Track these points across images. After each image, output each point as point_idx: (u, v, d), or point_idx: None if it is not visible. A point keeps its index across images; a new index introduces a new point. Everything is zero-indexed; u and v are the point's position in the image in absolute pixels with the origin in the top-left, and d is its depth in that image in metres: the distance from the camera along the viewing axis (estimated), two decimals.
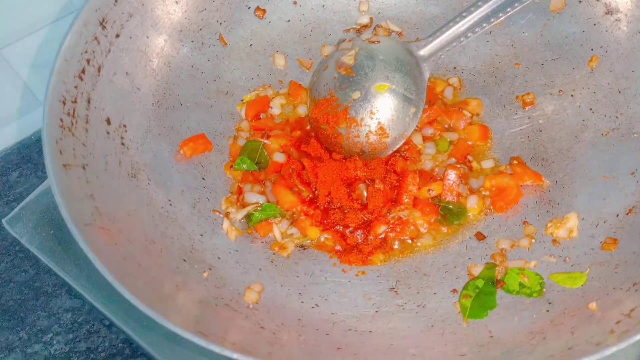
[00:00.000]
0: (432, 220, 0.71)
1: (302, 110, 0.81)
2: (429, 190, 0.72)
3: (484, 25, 0.76)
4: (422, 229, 0.70)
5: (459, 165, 0.74)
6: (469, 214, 0.71)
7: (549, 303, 0.61)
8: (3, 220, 0.76)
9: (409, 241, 0.70)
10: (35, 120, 0.90)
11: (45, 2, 0.79)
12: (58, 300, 0.76)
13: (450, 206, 0.71)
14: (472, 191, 0.72)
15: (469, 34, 0.76)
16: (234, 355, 0.49)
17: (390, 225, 0.70)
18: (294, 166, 0.74)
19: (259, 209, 0.71)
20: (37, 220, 0.77)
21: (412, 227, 0.70)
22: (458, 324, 0.62)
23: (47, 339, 0.74)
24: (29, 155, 0.88)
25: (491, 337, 0.59)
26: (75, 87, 0.66)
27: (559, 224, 0.67)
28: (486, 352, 0.56)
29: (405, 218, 0.71)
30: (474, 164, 0.74)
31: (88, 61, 0.68)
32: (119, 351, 0.72)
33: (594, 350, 0.48)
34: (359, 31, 0.85)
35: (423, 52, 0.78)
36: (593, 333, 0.53)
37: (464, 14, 0.77)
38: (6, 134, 0.88)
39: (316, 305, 0.64)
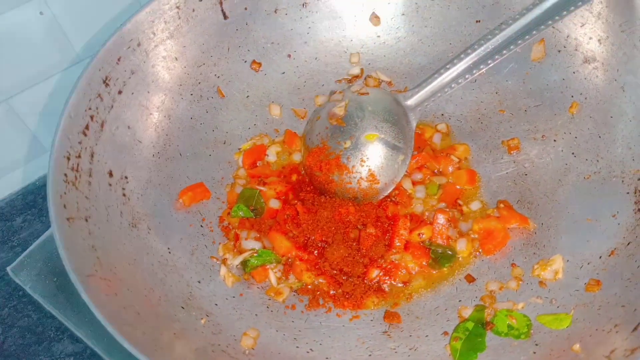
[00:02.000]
0: (424, 264, 0.73)
1: (297, 158, 0.84)
2: (419, 234, 0.74)
3: (467, 76, 0.80)
4: (413, 272, 0.72)
5: (448, 210, 0.77)
6: (459, 256, 0.73)
7: (536, 345, 0.62)
8: (8, 269, 0.78)
9: (401, 285, 0.72)
10: (40, 166, 0.93)
11: (50, 53, 0.83)
12: (60, 345, 0.77)
13: (441, 250, 0.73)
14: (461, 234, 0.75)
15: (453, 85, 0.80)
16: None
17: (383, 270, 0.72)
18: (288, 212, 0.76)
19: (255, 255, 0.73)
20: (40, 268, 0.79)
21: (403, 271, 0.73)
22: None
23: None
24: (33, 200, 0.91)
25: None
26: (80, 142, 0.69)
27: (545, 266, 0.69)
28: None
29: (397, 262, 0.73)
30: (464, 208, 0.77)
31: (92, 117, 0.72)
32: None
33: None
34: (350, 81, 0.89)
35: (410, 102, 0.82)
36: None
37: (448, 66, 0.81)
38: (12, 180, 0.91)
39: (311, 350, 0.66)
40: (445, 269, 0.72)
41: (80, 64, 0.87)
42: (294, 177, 0.82)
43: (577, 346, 0.59)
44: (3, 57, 0.79)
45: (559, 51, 0.82)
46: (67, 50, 0.85)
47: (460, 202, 0.78)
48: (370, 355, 0.65)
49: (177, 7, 0.80)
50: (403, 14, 0.89)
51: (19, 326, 0.79)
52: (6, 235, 0.87)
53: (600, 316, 0.62)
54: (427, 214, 0.77)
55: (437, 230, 0.74)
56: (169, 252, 0.72)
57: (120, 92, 0.76)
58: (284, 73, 0.88)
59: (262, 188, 0.79)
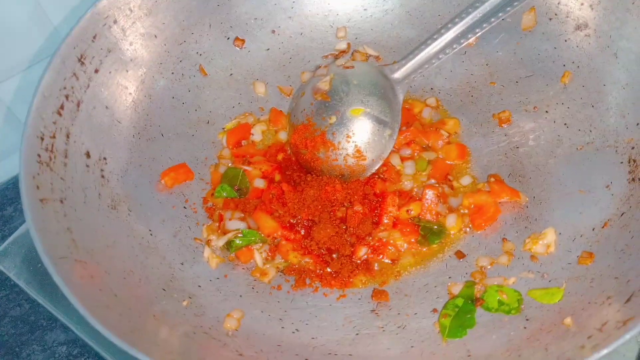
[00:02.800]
0: (412, 241, 0.71)
1: (283, 136, 0.82)
2: (408, 210, 0.72)
3: (455, 46, 0.77)
4: (402, 249, 0.71)
5: (438, 185, 0.75)
6: (449, 232, 0.71)
7: (527, 320, 0.61)
8: None
9: (388, 262, 0.70)
10: None
11: (35, 40, 0.81)
12: (53, 334, 0.76)
13: (430, 226, 0.71)
14: (450, 210, 0.73)
15: (441, 55, 0.78)
16: None
17: (371, 248, 0.71)
18: (274, 192, 0.74)
19: (240, 235, 0.71)
20: (25, 254, 0.77)
21: (392, 249, 0.71)
22: (437, 344, 0.61)
23: None
24: None
25: (469, 356, 0.58)
26: (54, 122, 0.67)
27: (536, 240, 0.67)
28: None
29: (385, 239, 0.71)
30: (455, 183, 0.75)
31: (67, 97, 0.70)
32: None
33: None
34: (337, 57, 0.87)
35: (397, 75, 0.79)
36: (566, 348, 0.53)
37: (435, 36, 0.78)
38: (1, 169, 0.90)
39: (296, 330, 0.64)
40: (434, 245, 0.70)
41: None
42: (280, 156, 0.79)
43: (568, 320, 0.57)
44: None
45: (550, 19, 0.79)
46: (53, 36, 0.82)
47: (450, 177, 0.75)
48: (357, 334, 0.64)
49: None
50: None
51: (11, 316, 0.78)
52: None
53: (593, 289, 0.60)
54: (416, 190, 0.75)
55: (426, 206, 0.72)
56: (151, 235, 0.70)
57: (96, 71, 0.74)
58: (268, 49, 0.86)
59: (247, 168, 0.77)
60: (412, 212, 0.72)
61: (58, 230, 0.60)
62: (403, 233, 0.71)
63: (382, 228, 0.71)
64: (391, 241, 0.71)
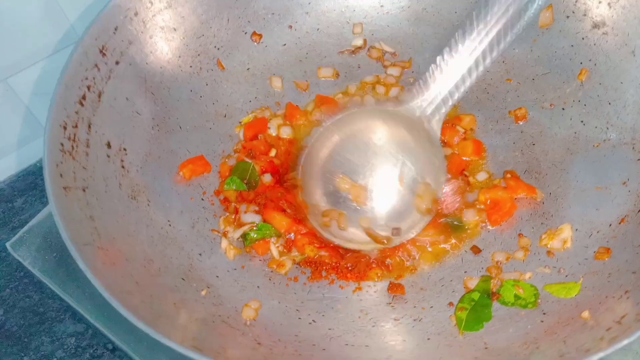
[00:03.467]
0: (431, 234, 0.71)
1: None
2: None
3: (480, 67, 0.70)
4: (424, 248, 0.70)
5: (454, 180, 0.75)
6: (467, 227, 0.72)
7: (544, 314, 0.61)
8: (7, 244, 0.77)
9: (405, 260, 0.70)
10: (39, 148, 0.90)
11: (48, 31, 0.82)
12: (62, 325, 0.77)
13: (450, 221, 0.72)
14: (467, 205, 0.73)
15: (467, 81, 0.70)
16: None
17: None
18: (280, 191, 0.75)
19: (255, 228, 0.71)
20: (40, 243, 0.78)
21: (411, 248, 0.71)
22: (454, 336, 0.62)
23: None
24: (34, 181, 0.90)
25: (486, 348, 0.59)
26: (76, 112, 0.68)
27: (553, 236, 0.68)
28: None
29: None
30: (470, 178, 0.75)
31: (89, 88, 0.71)
32: None
33: (583, 357, 0.48)
34: (353, 52, 0.87)
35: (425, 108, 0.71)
36: (584, 340, 0.53)
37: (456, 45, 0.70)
38: (12, 161, 0.90)
39: (313, 321, 0.65)
40: (454, 240, 0.71)
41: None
42: (273, 152, 0.78)
43: (586, 313, 0.58)
44: (1, 36, 0.78)
45: (568, 17, 0.79)
46: (66, 28, 0.83)
47: (466, 172, 0.76)
48: (374, 326, 0.64)
49: None
50: None
51: (21, 307, 0.79)
52: (7, 216, 0.87)
53: (611, 283, 0.60)
54: None
55: (444, 200, 0.73)
56: (169, 225, 0.71)
57: (117, 63, 0.74)
58: (285, 45, 0.86)
59: (248, 161, 0.77)
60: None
61: (81, 218, 0.60)
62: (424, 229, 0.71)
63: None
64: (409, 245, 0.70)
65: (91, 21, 0.72)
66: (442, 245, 0.71)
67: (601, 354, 0.48)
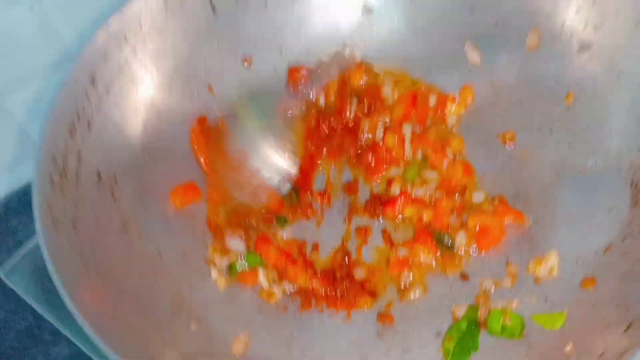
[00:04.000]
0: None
1: None
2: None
3: None
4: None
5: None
6: (457, 251, 0.72)
7: (529, 346, 0.62)
8: (0, 273, 0.78)
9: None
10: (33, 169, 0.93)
11: (42, 51, 0.82)
12: (57, 348, 0.77)
13: (442, 237, 0.72)
14: (461, 225, 0.73)
15: None
16: None
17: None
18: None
19: (241, 260, 0.72)
20: (33, 271, 0.78)
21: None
22: None
23: None
24: (28, 201, 0.88)
25: None
26: (66, 143, 0.68)
27: (540, 262, 0.69)
28: None
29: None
30: (467, 194, 0.75)
31: (79, 117, 0.71)
32: None
33: None
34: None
35: None
36: None
37: None
38: (6, 181, 0.91)
39: (303, 354, 0.66)
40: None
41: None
42: None
43: (569, 346, 0.59)
44: None
45: (554, 40, 0.80)
46: (60, 48, 0.83)
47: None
48: (362, 358, 0.65)
49: (164, 1, 0.78)
50: (396, 4, 0.87)
51: (16, 329, 0.79)
52: (2, 236, 0.87)
53: (594, 314, 0.61)
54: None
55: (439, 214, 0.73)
56: (160, 257, 0.71)
57: (107, 90, 0.75)
58: (275, 68, 0.87)
59: None
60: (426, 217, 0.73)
61: (71, 254, 0.61)
62: (425, 244, 0.71)
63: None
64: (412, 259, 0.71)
65: (80, 50, 0.73)
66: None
67: None
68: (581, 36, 0.78)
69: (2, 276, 0.78)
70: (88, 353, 0.71)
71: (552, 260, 0.68)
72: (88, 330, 0.53)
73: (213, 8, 0.82)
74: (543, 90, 0.80)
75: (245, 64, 0.86)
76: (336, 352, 0.65)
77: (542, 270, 0.68)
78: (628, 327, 0.56)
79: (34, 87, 0.85)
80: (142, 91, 0.79)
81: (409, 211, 0.74)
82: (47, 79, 0.85)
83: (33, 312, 0.80)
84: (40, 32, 0.80)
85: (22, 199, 0.91)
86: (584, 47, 0.78)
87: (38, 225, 0.60)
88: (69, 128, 0.69)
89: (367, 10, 0.87)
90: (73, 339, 0.72)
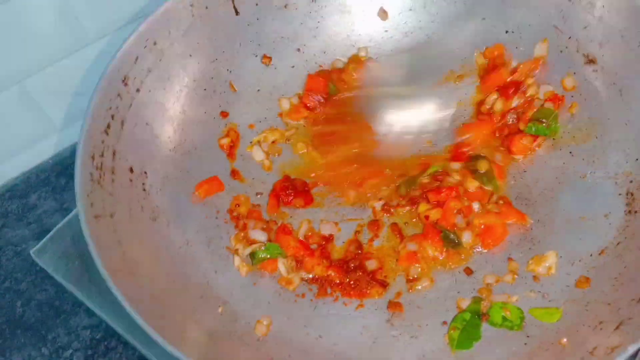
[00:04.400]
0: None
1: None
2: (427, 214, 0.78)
3: None
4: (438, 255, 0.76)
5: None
6: (463, 246, 0.77)
7: (527, 337, 0.67)
8: (31, 252, 0.82)
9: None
10: (51, 145, 0.96)
11: (62, 35, 0.86)
12: (77, 318, 0.81)
13: (448, 234, 0.77)
14: (468, 224, 0.78)
15: None
16: None
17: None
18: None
19: (263, 248, 0.77)
20: (62, 252, 0.82)
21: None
22: (446, 354, 0.68)
23: (67, 355, 0.78)
24: (47, 178, 0.94)
25: None
26: (102, 141, 0.73)
27: (539, 262, 0.74)
28: None
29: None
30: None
31: (112, 117, 0.75)
32: None
33: None
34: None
35: None
36: None
37: None
38: (26, 158, 0.95)
39: (319, 336, 0.71)
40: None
41: (91, 46, 0.90)
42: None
43: (564, 340, 0.64)
44: (16, 40, 0.82)
45: (561, 51, 0.84)
46: (79, 32, 0.87)
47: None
48: (374, 342, 0.71)
49: (191, 5, 0.82)
50: (410, 9, 0.91)
51: (38, 300, 0.83)
52: (22, 212, 0.91)
53: (588, 312, 0.66)
54: None
55: (446, 214, 0.77)
56: (187, 244, 0.77)
57: (138, 90, 0.79)
58: (293, 67, 0.91)
59: None
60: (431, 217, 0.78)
61: (110, 244, 0.66)
62: (433, 241, 0.76)
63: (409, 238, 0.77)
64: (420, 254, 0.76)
65: (114, 53, 0.77)
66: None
67: None
68: (587, 51, 0.82)
69: (33, 256, 0.82)
70: (115, 328, 0.75)
71: (551, 259, 0.74)
72: (134, 316, 0.58)
73: (236, 10, 0.86)
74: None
75: (265, 62, 0.90)
76: (350, 336, 0.71)
77: (541, 269, 0.73)
78: (618, 325, 0.61)
79: (53, 69, 0.88)
80: (169, 90, 0.83)
81: (423, 207, 0.79)
82: (66, 62, 0.89)
83: (54, 283, 0.83)
84: (61, 18, 0.83)
85: (40, 176, 0.95)
86: (589, 61, 0.82)
87: (82, 217, 0.65)
88: (104, 127, 0.74)
89: (383, 14, 0.91)
90: (101, 315, 0.76)
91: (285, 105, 0.90)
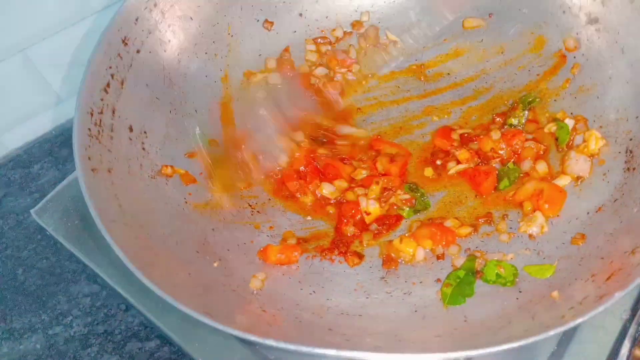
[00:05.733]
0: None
1: None
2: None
3: None
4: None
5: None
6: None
7: (520, 292, 0.67)
8: (32, 211, 0.82)
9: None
10: (56, 116, 0.97)
11: (65, 3, 0.86)
12: (77, 286, 0.82)
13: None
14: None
15: None
16: (236, 333, 0.57)
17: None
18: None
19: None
20: (62, 211, 0.82)
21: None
22: (438, 309, 0.69)
23: (67, 322, 0.80)
24: (50, 149, 0.95)
25: (465, 321, 0.65)
26: (102, 99, 0.74)
27: (529, 223, 0.73)
28: (458, 334, 0.63)
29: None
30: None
31: (112, 76, 0.76)
32: (135, 334, 0.78)
33: (542, 332, 0.55)
34: (353, 26, 0.91)
35: None
36: (549, 317, 0.59)
37: None
38: (29, 129, 0.96)
39: (313, 292, 0.72)
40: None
41: (95, 15, 0.91)
42: None
43: (556, 293, 0.64)
44: (19, 9, 0.83)
45: (564, 12, 0.83)
46: (82, 2, 0.88)
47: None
48: (367, 297, 0.71)
49: None
50: None
51: (39, 267, 0.84)
52: (25, 181, 0.92)
53: (581, 267, 0.66)
54: None
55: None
56: (185, 202, 0.78)
57: (138, 51, 0.80)
58: (295, 32, 0.91)
59: None
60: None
61: (107, 197, 0.67)
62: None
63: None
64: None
65: (114, 13, 0.78)
66: None
67: (556, 331, 0.55)
68: (589, 10, 0.81)
69: (33, 215, 0.82)
70: (113, 285, 0.76)
71: (539, 220, 0.73)
72: (126, 262, 0.59)
73: None
74: (550, 60, 0.83)
75: (267, 27, 0.90)
76: (343, 292, 0.71)
77: (534, 229, 0.73)
78: (609, 277, 0.61)
79: (55, 39, 0.89)
80: (170, 52, 0.84)
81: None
82: (70, 31, 0.90)
83: (55, 252, 0.85)
84: None
85: (43, 147, 0.96)
86: (591, 20, 0.81)
87: (78, 168, 0.66)
88: (104, 86, 0.75)
89: None
90: (99, 273, 0.77)
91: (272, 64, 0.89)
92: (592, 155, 0.74)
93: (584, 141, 0.75)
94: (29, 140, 0.96)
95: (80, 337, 0.79)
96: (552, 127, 0.78)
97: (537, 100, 0.80)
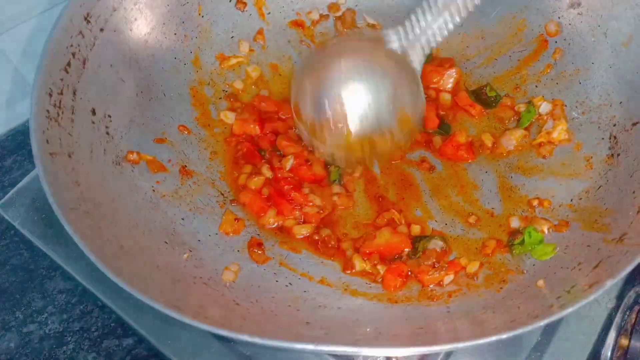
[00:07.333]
0: None
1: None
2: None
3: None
4: None
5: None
6: None
7: (503, 281, 0.66)
8: None
9: None
10: (28, 108, 0.91)
11: None
12: (52, 282, 0.80)
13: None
14: None
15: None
16: (208, 328, 0.54)
17: None
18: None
19: None
20: (29, 204, 0.79)
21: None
22: (420, 302, 0.66)
23: (41, 319, 0.77)
24: (23, 141, 0.92)
25: (448, 312, 0.63)
26: (61, 79, 0.69)
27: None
28: (441, 326, 0.61)
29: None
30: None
31: (73, 55, 0.71)
32: (111, 331, 0.76)
33: (531, 322, 0.53)
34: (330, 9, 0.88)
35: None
36: (535, 307, 0.58)
37: None
38: (0, 121, 0.91)
39: (290, 284, 0.69)
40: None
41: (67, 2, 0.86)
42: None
43: (541, 282, 0.62)
44: None
45: None
46: None
47: None
48: (345, 289, 0.69)
49: None
50: None
51: (12, 264, 0.82)
52: None
53: (566, 255, 0.65)
54: None
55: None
56: (153, 190, 0.73)
57: (102, 30, 0.75)
58: (269, 13, 0.87)
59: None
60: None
61: (67, 183, 0.63)
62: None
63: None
64: None
65: None
66: None
67: (547, 321, 0.53)
68: None
69: (0, 210, 0.79)
70: (82, 282, 0.73)
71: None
72: (86, 252, 0.55)
73: None
74: (532, 44, 0.82)
75: (239, 7, 0.86)
76: (321, 284, 0.68)
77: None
78: (597, 265, 0.59)
79: (27, 27, 0.85)
80: (136, 32, 0.79)
81: None
82: (41, 18, 0.85)
83: (28, 248, 0.82)
84: None
85: (17, 138, 0.92)
86: (573, 3, 0.79)
87: (35, 152, 0.61)
88: (64, 65, 0.70)
89: None
90: (68, 269, 0.74)
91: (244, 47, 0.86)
92: (551, 143, 0.73)
93: (554, 127, 0.74)
94: (1, 133, 0.92)
95: (55, 335, 0.77)
96: (521, 107, 0.77)
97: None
